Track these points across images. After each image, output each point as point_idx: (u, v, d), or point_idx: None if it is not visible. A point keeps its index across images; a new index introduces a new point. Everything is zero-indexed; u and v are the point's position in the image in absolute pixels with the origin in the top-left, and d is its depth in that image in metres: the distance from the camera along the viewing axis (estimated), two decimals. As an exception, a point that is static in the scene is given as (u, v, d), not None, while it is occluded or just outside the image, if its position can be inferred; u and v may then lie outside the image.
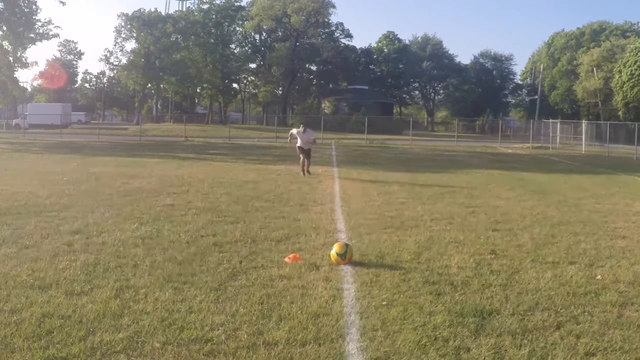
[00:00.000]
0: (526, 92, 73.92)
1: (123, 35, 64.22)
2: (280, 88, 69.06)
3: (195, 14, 66.07)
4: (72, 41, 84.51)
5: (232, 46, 69.45)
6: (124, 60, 67.47)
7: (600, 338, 3.80)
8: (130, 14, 61.94)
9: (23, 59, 44.36)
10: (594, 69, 53.99)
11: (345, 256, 5.49)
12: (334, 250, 5.57)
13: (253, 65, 71.63)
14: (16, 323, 3.80)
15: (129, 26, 62.41)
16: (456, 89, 73.81)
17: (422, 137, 42.73)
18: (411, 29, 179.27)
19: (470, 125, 66.19)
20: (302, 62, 65.48)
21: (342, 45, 70.59)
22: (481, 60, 76.25)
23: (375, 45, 75.02)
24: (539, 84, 59.60)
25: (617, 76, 49.06)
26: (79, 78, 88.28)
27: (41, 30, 44.78)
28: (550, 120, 40.91)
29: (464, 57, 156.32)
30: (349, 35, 72.15)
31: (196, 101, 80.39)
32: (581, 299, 4.59)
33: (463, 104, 71.34)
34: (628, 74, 47.25)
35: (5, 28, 41.03)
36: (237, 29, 69.00)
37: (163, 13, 64.73)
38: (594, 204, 10.20)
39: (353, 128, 45.26)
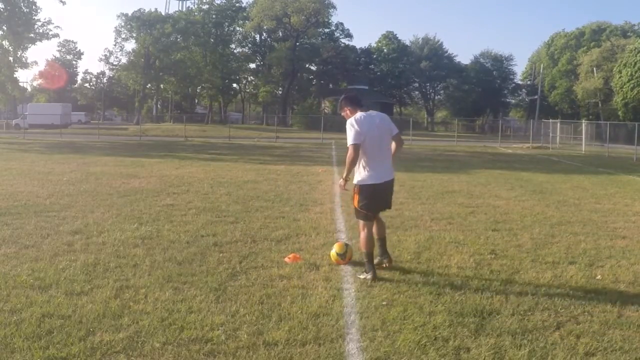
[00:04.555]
0: (526, 92, 73.95)
1: (123, 36, 64.37)
2: (280, 88, 69.09)
3: (195, 14, 66.13)
4: (72, 41, 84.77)
5: (232, 46, 69.55)
6: (123, 60, 67.66)
7: (600, 338, 3.80)
8: (130, 14, 62.04)
9: (23, 59, 44.43)
10: (594, 69, 54.01)
11: (345, 256, 5.49)
12: (334, 250, 5.57)
13: (253, 65, 71.76)
14: (16, 323, 3.80)
15: (128, 26, 62.50)
16: (456, 89, 73.93)
17: (422, 137, 42.75)
18: (411, 29, 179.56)
19: (470, 125, 66.27)
20: (302, 62, 65.54)
21: (342, 45, 70.64)
22: (481, 60, 76.35)
23: (375, 45, 75.05)
24: (539, 84, 59.62)
25: (617, 76, 49.10)
26: (79, 78, 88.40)
27: (41, 30, 44.83)
28: (550, 120, 40.96)
29: (464, 57, 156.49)
30: (349, 35, 72.35)
31: (196, 101, 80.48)
32: (581, 299, 4.59)
33: (463, 104, 71.47)
34: (628, 74, 47.27)
35: (5, 28, 41.04)
36: (237, 29, 69.06)
37: (163, 13, 64.75)
38: (594, 204, 10.20)
39: (353, 128, 45.14)
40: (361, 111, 5.26)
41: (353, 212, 5.39)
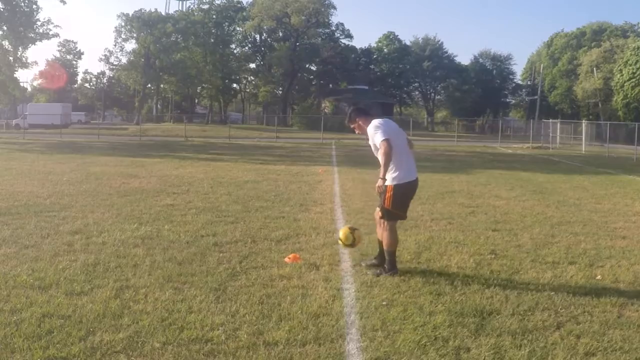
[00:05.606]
0: (526, 92, 73.94)
1: (123, 36, 64.34)
2: (280, 88, 69.09)
3: (195, 14, 66.11)
4: (72, 41, 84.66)
5: (232, 46, 69.52)
6: (124, 60, 67.63)
7: (600, 338, 3.80)
8: (130, 14, 62.02)
9: (23, 58, 44.43)
10: (594, 69, 54.00)
11: (354, 244, 5.35)
12: (341, 241, 5.37)
13: (253, 65, 71.70)
14: (16, 323, 3.80)
15: (129, 26, 62.47)
16: (456, 89, 73.85)
17: (422, 137, 42.70)
18: (411, 29, 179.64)
19: (470, 125, 66.25)
20: (302, 62, 65.52)
21: (342, 45, 70.63)
22: (481, 60, 76.31)
23: (375, 45, 75.04)
24: (539, 84, 59.60)
25: (617, 76, 49.09)
26: (79, 78, 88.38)
27: (41, 30, 44.83)
28: (550, 120, 40.94)
29: (464, 57, 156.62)
30: (349, 36, 72.27)
31: (196, 101, 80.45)
32: (581, 299, 4.59)
33: (463, 104, 71.40)
34: (629, 73, 47.25)
35: (5, 28, 41.04)
36: (237, 29, 69.05)
37: (163, 13, 64.74)
38: (594, 204, 10.20)
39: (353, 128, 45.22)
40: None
41: (382, 214, 5.20)
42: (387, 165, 5.01)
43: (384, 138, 4.97)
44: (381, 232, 5.32)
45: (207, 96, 70.83)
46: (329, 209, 8.84)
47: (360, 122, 5.37)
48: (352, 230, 5.44)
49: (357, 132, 5.52)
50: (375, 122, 5.21)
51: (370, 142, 5.26)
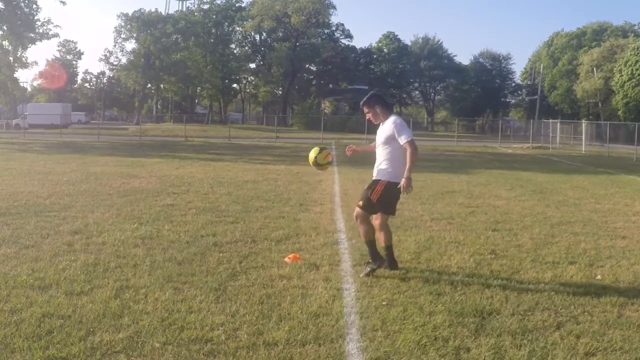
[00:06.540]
0: (526, 92, 73.94)
1: (123, 36, 64.37)
2: (280, 88, 69.09)
3: (195, 14, 66.10)
4: (72, 41, 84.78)
5: (232, 46, 69.52)
6: (124, 60, 67.70)
7: (600, 338, 3.80)
8: (130, 14, 62.03)
9: (23, 59, 44.39)
10: (594, 69, 53.99)
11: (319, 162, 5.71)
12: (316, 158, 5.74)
13: (253, 65, 71.73)
14: (16, 323, 3.80)
15: (129, 26, 62.50)
16: (456, 89, 73.90)
17: (422, 137, 42.72)
18: (411, 29, 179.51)
19: (470, 125, 66.28)
20: (302, 62, 65.53)
21: (342, 45, 70.67)
22: (480, 60, 76.32)
23: (376, 45, 75.06)
24: (539, 84, 59.60)
25: (617, 75, 49.08)
26: (79, 78, 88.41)
27: (41, 30, 44.79)
28: (550, 120, 40.98)
29: (464, 56, 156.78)
30: (349, 36, 72.36)
31: (196, 101, 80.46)
32: (581, 299, 4.59)
33: (463, 104, 71.47)
34: (629, 73, 47.25)
35: (5, 28, 41.02)
36: (237, 29, 69.06)
37: (163, 13, 64.72)
38: (594, 204, 10.20)
39: (353, 128, 45.33)
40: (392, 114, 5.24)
41: (363, 204, 5.21)
42: (413, 165, 4.96)
43: (411, 138, 4.97)
44: (363, 232, 5.26)
45: (207, 96, 70.82)
46: (329, 209, 8.83)
47: (378, 110, 5.24)
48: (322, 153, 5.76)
49: (368, 117, 5.40)
50: (399, 118, 5.17)
51: (383, 133, 5.15)
